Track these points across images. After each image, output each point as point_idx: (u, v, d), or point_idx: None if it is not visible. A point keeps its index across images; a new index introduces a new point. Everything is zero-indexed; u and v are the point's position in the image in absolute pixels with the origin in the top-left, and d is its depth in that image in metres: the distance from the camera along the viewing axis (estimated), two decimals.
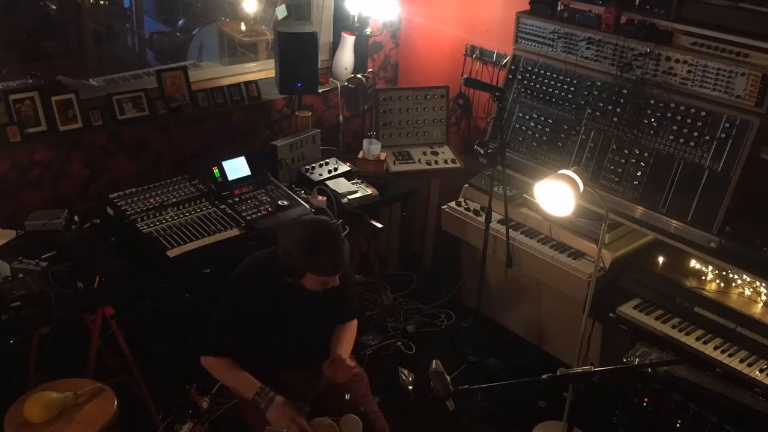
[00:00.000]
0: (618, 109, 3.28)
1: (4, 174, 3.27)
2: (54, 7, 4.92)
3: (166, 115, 3.71)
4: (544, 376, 2.32)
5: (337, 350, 2.63)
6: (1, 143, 3.23)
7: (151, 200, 3.25)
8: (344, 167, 3.78)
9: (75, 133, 3.44)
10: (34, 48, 4.69)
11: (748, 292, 3.02)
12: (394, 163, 4.09)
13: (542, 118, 3.59)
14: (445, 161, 4.16)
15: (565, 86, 3.49)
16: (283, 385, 2.56)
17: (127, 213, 3.13)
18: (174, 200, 3.28)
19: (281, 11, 4.46)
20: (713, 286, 3.11)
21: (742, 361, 2.80)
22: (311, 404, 2.59)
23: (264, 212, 3.29)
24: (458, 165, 4.15)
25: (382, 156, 3.78)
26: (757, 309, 2.94)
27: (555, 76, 3.53)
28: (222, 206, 3.28)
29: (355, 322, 2.81)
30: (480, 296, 3.76)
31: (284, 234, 2.47)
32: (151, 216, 3.14)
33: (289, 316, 2.61)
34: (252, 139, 4.10)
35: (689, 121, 3.04)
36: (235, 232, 3.13)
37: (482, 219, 3.55)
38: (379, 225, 3.53)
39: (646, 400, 2.99)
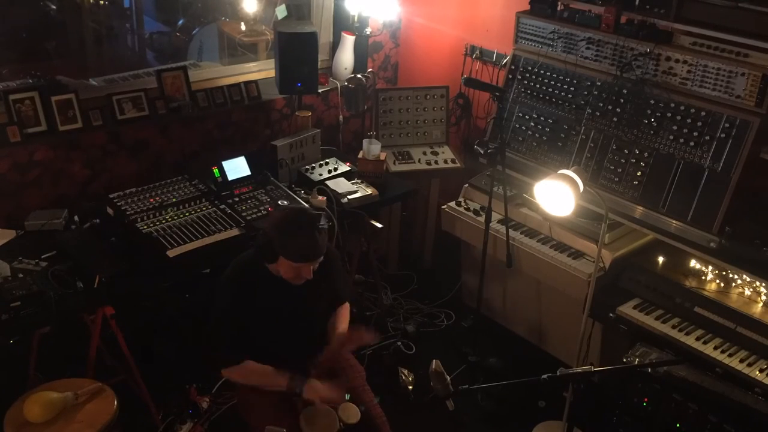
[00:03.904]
0: (618, 109, 3.28)
1: (4, 174, 3.27)
2: (54, 7, 4.92)
3: (166, 115, 3.71)
4: (544, 376, 2.32)
5: (338, 330, 2.70)
6: (1, 143, 3.23)
7: (151, 200, 3.25)
8: (344, 167, 3.78)
9: (75, 133, 3.44)
10: (34, 48, 4.69)
11: (748, 292, 3.02)
12: (394, 163, 4.09)
13: (542, 118, 3.59)
14: (445, 161, 4.16)
15: (565, 86, 3.49)
16: None
17: (127, 213, 3.13)
18: (174, 200, 3.28)
19: (281, 11, 4.46)
20: (713, 286, 3.11)
21: (742, 361, 2.80)
22: None
23: (264, 212, 3.29)
24: (458, 165, 4.15)
25: (382, 156, 3.78)
26: (757, 309, 2.94)
27: (555, 76, 3.53)
28: (222, 206, 3.28)
29: (347, 305, 2.86)
30: (480, 296, 3.76)
31: (268, 217, 2.54)
32: (151, 216, 3.14)
33: (282, 310, 2.63)
34: (252, 139, 4.10)
35: (689, 121, 3.04)
36: (235, 232, 3.13)
37: (482, 219, 3.54)
38: (379, 225, 3.53)
39: (646, 400, 2.99)
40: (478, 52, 4.25)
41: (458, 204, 3.85)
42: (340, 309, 2.83)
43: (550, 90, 3.55)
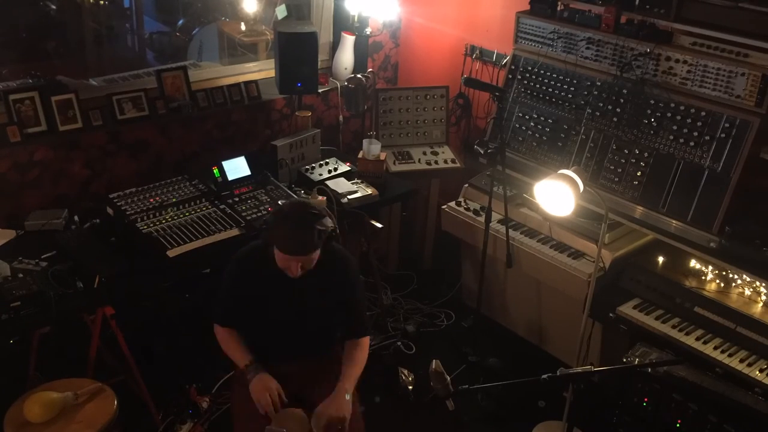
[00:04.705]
0: (618, 109, 3.28)
1: (4, 174, 3.27)
2: (54, 7, 4.92)
3: (166, 115, 3.71)
4: (544, 376, 2.32)
5: (342, 378, 2.59)
6: (1, 143, 3.23)
7: (151, 200, 3.25)
8: (344, 167, 3.78)
9: (75, 133, 3.44)
10: (34, 48, 4.69)
11: (748, 292, 3.02)
12: (394, 163, 4.09)
13: (542, 118, 3.59)
14: (445, 161, 4.16)
15: (565, 86, 3.49)
16: (279, 375, 2.59)
17: (127, 213, 3.13)
18: (174, 200, 3.28)
19: (281, 11, 4.47)
20: (713, 286, 3.11)
21: (742, 361, 2.80)
22: (297, 394, 2.62)
23: (264, 212, 3.29)
24: (458, 165, 4.15)
25: (382, 156, 3.77)
26: (757, 309, 2.95)
27: (555, 76, 3.53)
28: (222, 206, 3.28)
29: (366, 340, 2.74)
30: (480, 296, 3.76)
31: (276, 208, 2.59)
32: (151, 216, 3.14)
33: (281, 302, 2.62)
34: (252, 139, 4.10)
35: (689, 121, 3.04)
36: (234, 232, 3.13)
37: (482, 219, 3.54)
38: (379, 225, 3.53)
39: (646, 400, 2.99)
40: (478, 52, 4.25)
41: (458, 204, 3.85)
42: (359, 343, 2.71)
43: (550, 90, 3.55)
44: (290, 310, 2.63)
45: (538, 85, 3.60)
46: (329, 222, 2.50)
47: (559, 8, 3.48)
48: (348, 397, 2.52)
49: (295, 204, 2.55)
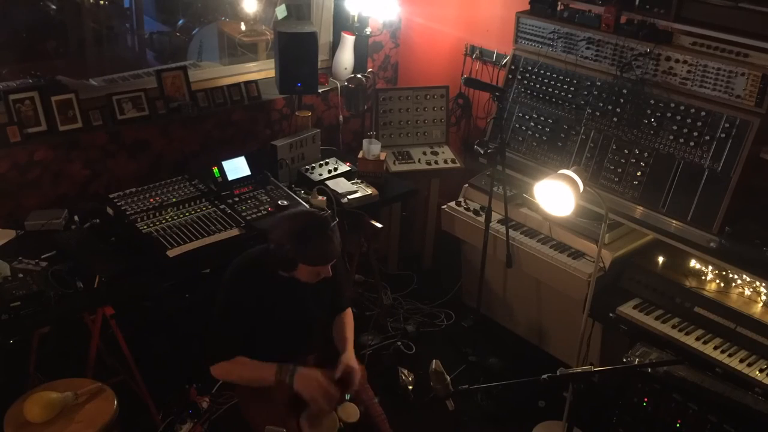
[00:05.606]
0: (618, 109, 3.28)
1: (4, 174, 3.27)
2: (54, 7, 4.92)
3: (166, 115, 3.71)
4: (544, 376, 2.32)
5: (344, 352, 2.67)
6: (1, 143, 3.23)
7: (151, 200, 3.25)
8: (344, 167, 3.78)
9: (75, 133, 3.44)
10: (34, 48, 4.69)
11: (748, 292, 3.02)
12: (394, 163, 4.09)
13: (542, 118, 3.59)
14: (445, 161, 4.16)
15: (565, 86, 3.49)
16: None
17: (127, 213, 3.14)
18: (174, 200, 3.28)
19: (281, 11, 4.47)
20: (713, 286, 3.11)
21: (742, 361, 2.80)
22: None
23: (264, 212, 3.29)
24: (458, 165, 4.15)
25: (382, 156, 3.78)
26: (757, 309, 2.95)
27: (555, 76, 3.53)
28: (222, 206, 3.28)
29: (350, 311, 2.86)
30: (480, 296, 3.76)
31: (275, 227, 2.51)
32: (151, 216, 3.14)
33: (284, 310, 2.63)
34: (252, 139, 4.10)
35: (689, 121, 3.04)
36: (234, 232, 3.13)
37: (482, 219, 3.55)
38: (379, 225, 3.53)
39: (646, 400, 2.99)
40: (478, 52, 4.25)
41: (458, 204, 3.85)
42: (344, 317, 2.82)
43: (550, 90, 3.55)
44: (296, 311, 2.65)
45: (538, 85, 3.60)
46: (332, 218, 2.55)
47: (559, 8, 3.48)
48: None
49: (304, 217, 2.51)
